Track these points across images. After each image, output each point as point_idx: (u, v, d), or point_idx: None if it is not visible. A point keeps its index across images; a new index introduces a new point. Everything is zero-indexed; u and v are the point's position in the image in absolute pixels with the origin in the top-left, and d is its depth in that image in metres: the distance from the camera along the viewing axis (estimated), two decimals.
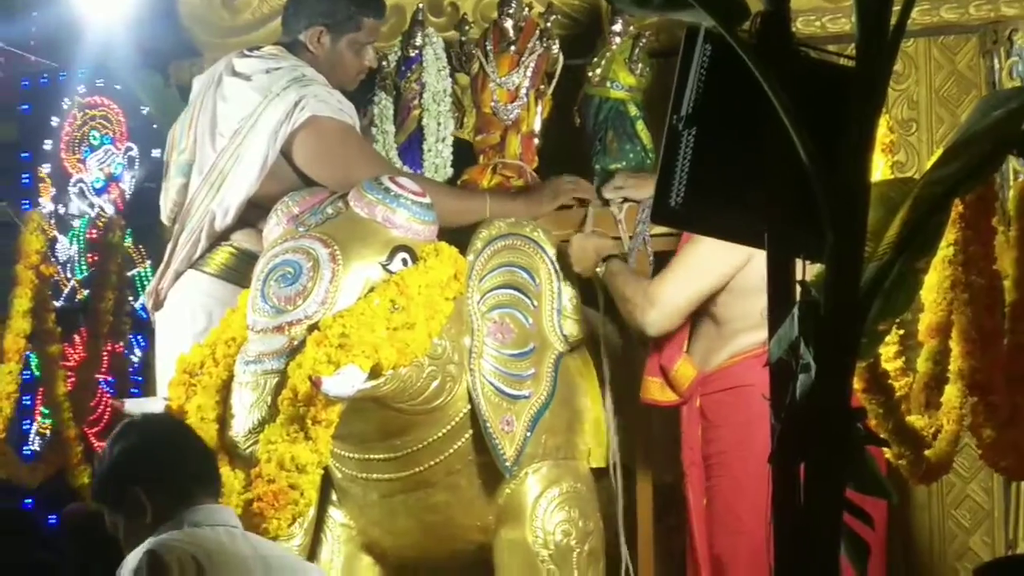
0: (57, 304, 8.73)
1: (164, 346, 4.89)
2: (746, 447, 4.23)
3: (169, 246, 4.92)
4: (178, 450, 3.58)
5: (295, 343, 3.99)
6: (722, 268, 4.43)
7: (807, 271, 2.87)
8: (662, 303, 4.51)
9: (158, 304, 4.93)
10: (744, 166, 2.98)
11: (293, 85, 4.74)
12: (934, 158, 3.19)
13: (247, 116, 4.73)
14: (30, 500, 9.83)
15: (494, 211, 4.70)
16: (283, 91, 4.72)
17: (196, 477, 3.54)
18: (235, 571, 3.44)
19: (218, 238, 4.81)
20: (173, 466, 3.53)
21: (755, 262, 4.25)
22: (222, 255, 4.82)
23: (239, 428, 4.04)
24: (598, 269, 4.66)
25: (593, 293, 4.70)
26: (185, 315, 4.81)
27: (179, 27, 5.64)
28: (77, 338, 9.82)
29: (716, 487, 4.46)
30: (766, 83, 2.74)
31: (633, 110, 4.97)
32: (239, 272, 4.74)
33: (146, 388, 6.14)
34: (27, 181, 11.89)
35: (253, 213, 4.74)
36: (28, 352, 7.81)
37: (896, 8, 2.68)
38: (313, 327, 3.98)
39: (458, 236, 4.46)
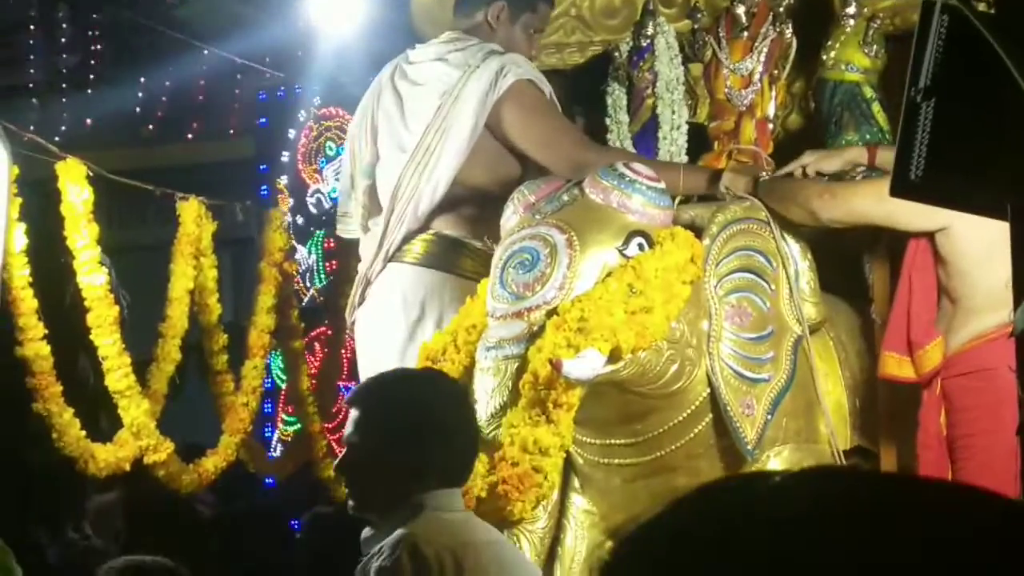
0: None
1: (370, 341, 4.94)
2: (993, 428, 4.17)
3: (376, 236, 4.96)
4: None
5: (534, 328, 4.03)
6: (910, 211, 4.19)
7: None
8: (841, 195, 4.46)
9: (362, 299, 4.99)
10: (985, 138, 2.95)
11: (492, 56, 4.84)
12: None
13: (447, 92, 4.81)
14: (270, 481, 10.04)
15: (687, 184, 4.71)
16: (483, 62, 4.81)
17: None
18: (484, 562, 3.52)
19: (416, 228, 4.87)
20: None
21: (957, 233, 4.23)
22: (420, 244, 4.87)
23: (481, 413, 4.09)
24: (761, 177, 4.62)
25: (828, 277, 4.66)
26: (396, 306, 4.84)
27: (410, 30, 5.72)
28: (317, 346, 10.05)
29: (963, 470, 4.39)
30: (1005, 53, 2.70)
31: (869, 92, 4.93)
32: (441, 258, 4.81)
33: None
34: (265, 193, 12.18)
35: (448, 196, 4.82)
36: (272, 350, 8.01)
37: None
38: (552, 312, 4.02)
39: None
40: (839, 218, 4.50)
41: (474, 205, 4.85)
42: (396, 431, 3.51)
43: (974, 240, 4.29)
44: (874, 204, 4.37)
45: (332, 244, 11.35)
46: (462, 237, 4.84)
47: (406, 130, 4.89)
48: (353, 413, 3.59)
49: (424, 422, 3.53)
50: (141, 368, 7.07)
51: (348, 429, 3.59)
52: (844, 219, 4.50)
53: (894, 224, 4.49)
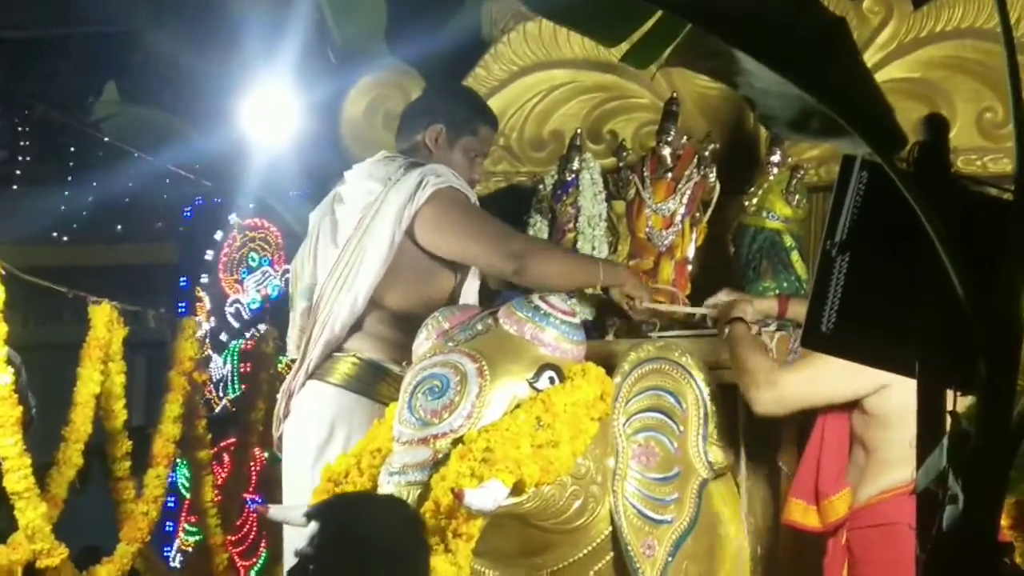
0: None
1: (289, 456, 4.91)
2: None
3: (300, 350, 4.94)
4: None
5: (439, 456, 4.00)
6: (853, 384, 4.35)
7: (957, 402, 2.83)
8: (781, 388, 4.45)
9: (286, 412, 4.95)
10: (897, 294, 2.96)
11: (413, 168, 4.82)
12: None
13: (369, 205, 4.80)
14: None
15: (606, 277, 4.79)
16: (403, 176, 4.80)
17: None
18: None
19: (338, 347, 4.84)
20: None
21: (893, 390, 4.23)
22: (345, 365, 4.84)
23: None
24: (725, 329, 4.64)
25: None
26: (309, 426, 4.81)
27: (340, 148, 5.71)
28: (226, 456, 9.96)
29: None
30: (922, 211, 2.72)
31: (788, 241, 4.97)
32: (360, 380, 4.78)
33: None
34: (184, 303, 12.12)
35: (374, 317, 4.81)
36: (177, 458, 7.94)
37: None
38: (458, 441, 4.00)
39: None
40: (777, 411, 4.52)
41: (398, 328, 4.81)
42: (350, 550, 3.49)
43: (905, 395, 4.29)
44: (818, 388, 4.43)
45: (249, 347, 11.28)
46: (382, 361, 4.80)
47: (334, 249, 4.87)
48: (311, 527, 3.56)
49: (378, 544, 3.51)
50: (45, 469, 6.96)
51: (302, 542, 3.56)
52: (785, 410, 4.53)
53: (840, 400, 4.48)
